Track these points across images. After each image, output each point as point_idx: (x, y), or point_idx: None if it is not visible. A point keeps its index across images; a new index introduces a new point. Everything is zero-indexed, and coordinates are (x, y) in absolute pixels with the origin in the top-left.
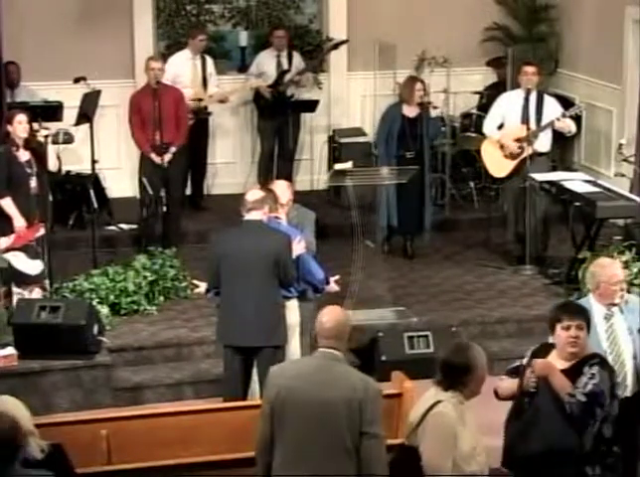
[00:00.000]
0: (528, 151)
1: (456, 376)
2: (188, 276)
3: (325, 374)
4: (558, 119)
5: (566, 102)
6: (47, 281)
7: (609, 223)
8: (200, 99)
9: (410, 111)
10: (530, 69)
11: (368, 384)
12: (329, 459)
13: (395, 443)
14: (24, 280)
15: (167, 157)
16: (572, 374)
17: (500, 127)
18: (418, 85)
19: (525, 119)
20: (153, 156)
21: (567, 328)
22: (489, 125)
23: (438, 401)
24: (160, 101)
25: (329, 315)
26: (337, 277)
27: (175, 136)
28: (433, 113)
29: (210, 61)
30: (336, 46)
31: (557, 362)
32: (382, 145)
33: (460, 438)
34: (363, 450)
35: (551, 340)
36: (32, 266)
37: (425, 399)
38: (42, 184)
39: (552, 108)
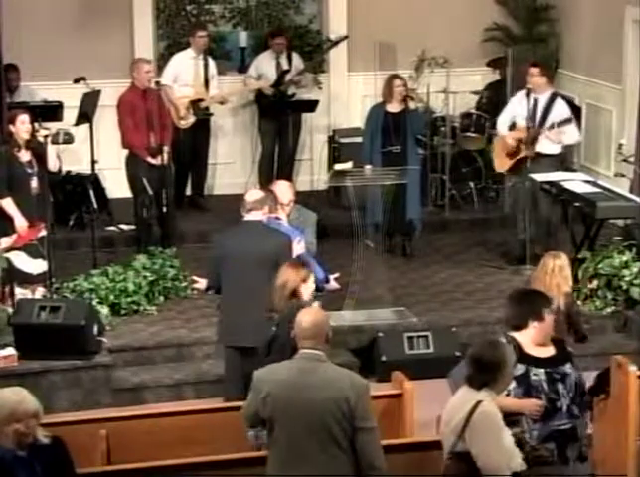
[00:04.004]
0: (526, 152)
1: (488, 372)
2: (188, 276)
3: (310, 375)
4: (547, 129)
5: (567, 102)
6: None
7: (609, 223)
8: (201, 100)
9: (393, 108)
10: (531, 69)
11: (354, 379)
12: (325, 460)
13: (394, 443)
14: (26, 280)
15: (165, 158)
16: (564, 357)
17: (514, 126)
18: (397, 82)
19: (529, 120)
20: (150, 159)
21: (550, 312)
22: (500, 123)
23: (479, 402)
24: (151, 103)
25: (307, 316)
26: (337, 275)
27: (164, 136)
28: (413, 105)
29: (212, 62)
30: (336, 43)
31: (537, 350)
32: (366, 144)
33: (504, 435)
34: (360, 445)
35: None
36: (34, 266)
37: (461, 402)
38: (42, 184)
39: (559, 112)
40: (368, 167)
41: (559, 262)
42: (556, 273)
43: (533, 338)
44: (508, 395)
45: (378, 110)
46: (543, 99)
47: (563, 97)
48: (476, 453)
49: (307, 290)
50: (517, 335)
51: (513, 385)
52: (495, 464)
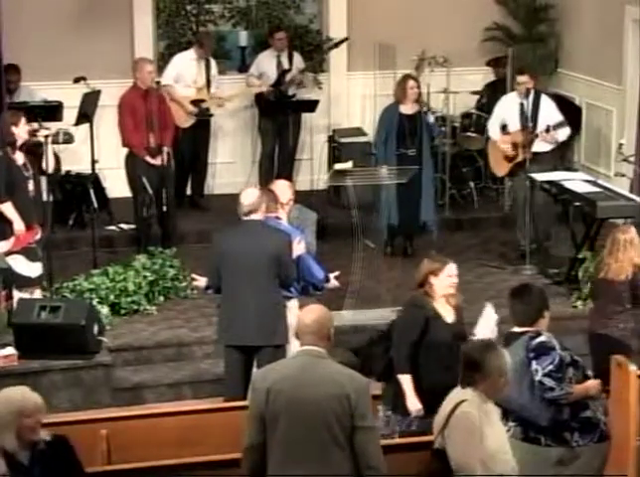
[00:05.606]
0: (524, 155)
1: (469, 371)
2: (188, 276)
3: (310, 372)
4: (542, 133)
5: (567, 102)
6: (45, 283)
7: (609, 223)
8: (202, 100)
9: (407, 109)
10: (521, 78)
11: (353, 378)
12: (324, 457)
13: (394, 443)
14: (24, 283)
15: (165, 158)
16: None
17: (504, 128)
18: (411, 83)
19: (522, 123)
20: (149, 159)
21: None
22: (490, 127)
23: (462, 401)
24: (152, 103)
25: (309, 312)
26: (337, 273)
27: (165, 137)
28: (431, 118)
29: (213, 62)
30: (336, 44)
31: None
32: (380, 146)
33: (486, 437)
34: (359, 444)
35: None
36: (32, 269)
37: (450, 399)
38: (38, 186)
39: (547, 111)
40: (384, 169)
41: (629, 236)
42: (628, 247)
43: (547, 326)
44: (570, 381)
45: (392, 112)
46: (530, 100)
47: (555, 96)
48: (450, 452)
49: (439, 283)
50: (539, 328)
51: (572, 371)
52: (465, 465)
